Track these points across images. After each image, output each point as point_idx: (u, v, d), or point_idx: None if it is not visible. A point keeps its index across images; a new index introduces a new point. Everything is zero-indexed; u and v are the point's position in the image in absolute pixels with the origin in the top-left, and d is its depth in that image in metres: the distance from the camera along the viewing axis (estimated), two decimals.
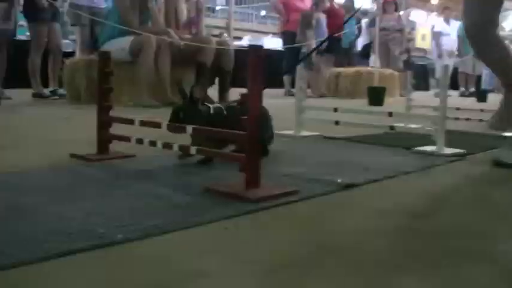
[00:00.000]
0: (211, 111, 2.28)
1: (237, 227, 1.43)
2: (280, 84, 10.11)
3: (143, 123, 2.18)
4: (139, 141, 2.20)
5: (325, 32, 9.77)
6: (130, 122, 2.24)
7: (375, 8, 11.93)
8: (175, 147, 2.04)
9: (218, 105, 2.38)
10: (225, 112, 2.32)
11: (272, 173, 2.05)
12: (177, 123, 2.18)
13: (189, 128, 1.96)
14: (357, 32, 12.00)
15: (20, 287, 1.03)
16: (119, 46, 5.75)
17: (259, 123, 1.74)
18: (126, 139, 2.29)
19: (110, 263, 1.14)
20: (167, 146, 2.07)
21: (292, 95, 9.24)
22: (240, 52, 6.62)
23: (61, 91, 7.12)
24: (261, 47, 1.74)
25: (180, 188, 1.82)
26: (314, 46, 9.25)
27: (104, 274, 1.09)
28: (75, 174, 2.06)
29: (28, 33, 8.48)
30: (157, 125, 2.11)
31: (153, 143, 2.13)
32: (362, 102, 7.48)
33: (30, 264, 1.11)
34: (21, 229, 1.33)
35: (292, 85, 9.77)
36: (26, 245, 1.21)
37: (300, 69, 3.36)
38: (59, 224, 1.37)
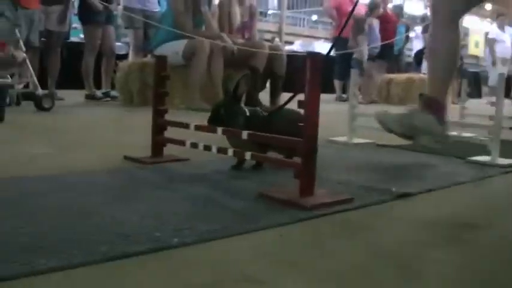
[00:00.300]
0: (248, 114, 2.24)
1: (292, 234, 1.43)
2: (331, 90, 10.08)
3: (198, 128, 2.19)
4: (194, 145, 2.21)
5: (378, 38, 9.70)
6: (186, 126, 2.25)
7: (429, 13, 11.79)
8: (230, 152, 2.05)
9: (254, 109, 2.33)
10: (261, 116, 2.29)
11: (326, 180, 2.04)
12: (217, 119, 2.18)
13: (245, 134, 1.97)
14: (404, 38, 11.89)
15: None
16: (172, 50, 5.78)
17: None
18: (181, 143, 2.30)
19: (167, 267, 1.15)
20: (222, 150, 2.08)
21: (343, 100, 9.22)
22: (290, 57, 6.61)
23: (113, 93, 7.20)
24: (319, 53, 1.73)
25: (234, 193, 1.83)
26: (366, 52, 9.20)
27: (161, 278, 1.09)
28: (129, 176, 2.08)
29: (82, 36, 8.60)
30: (212, 130, 2.11)
31: (207, 148, 2.14)
32: None
33: (90, 265, 1.13)
34: (80, 230, 1.35)
35: (343, 90, 9.74)
36: (85, 246, 1.23)
37: (354, 75, 3.34)
38: (116, 226, 1.39)
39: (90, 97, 7.23)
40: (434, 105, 2.80)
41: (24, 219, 1.43)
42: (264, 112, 2.32)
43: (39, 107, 5.16)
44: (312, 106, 1.68)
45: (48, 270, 1.09)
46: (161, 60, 2.45)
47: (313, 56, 1.71)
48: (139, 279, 1.08)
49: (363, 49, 9.33)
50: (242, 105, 2.25)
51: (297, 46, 18.67)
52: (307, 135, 1.69)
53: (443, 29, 2.82)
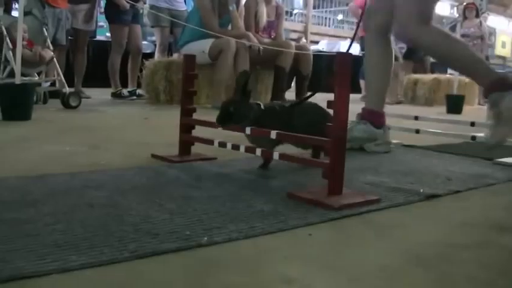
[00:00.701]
0: (261, 107, 2.20)
1: (321, 234, 1.43)
2: (356, 90, 10.03)
3: (227, 127, 2.19)
4: (222, 144, 2.22)
5: None
6: (214, 125, 2.25)
7: (456, 14, 11.72)
8: (258, 152, 2.05)
9: (271, 104, 2.31)
10: (277, 110, 2.24)
11: (353, 180, 2.04)
12: (226, 117, 2.16)
13: (273, 133, 1.97)
14: None
15: (111, 285, 1.05)
16: (199, 48, 5.79)
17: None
18: (209, 142, 2.31)
19: (197, 266, 1.16)
20: (250, 150, 2.08)
21: None
22: (316, 57, 6.61)
23: (139, 92, 7.22)
24: (349, 54, 1.73)
25: (261, 192, 1.83)
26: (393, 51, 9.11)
27: (190, 276, 1.10)
28: (158, 175, 2.09)
29: (108, 34, 8.64)
30: (241, 130, 2.11)
31: (236, 147, 2.14)
32: (440, 110, 7.37)
33: (119, 263, 1.14)
34: (109, 228, 1.36)
35: None
36: (115, 244, 1.24)
37: None
38: (145, 225, 1.40)
39: (117, 95, 7.26)
40: (366, 115, 3.06)
41: (55, 217, 1.44)
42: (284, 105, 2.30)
43: (66, 105, 5.19)
44: (341, 106, 1.68)
45: (78, 267, 1.10)
46: (189, 59, 2.45)
47: (343, 55, 1.71)
48: (169, 278, 1.09)
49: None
50: (252, 101, 2.21)
51: (323, 46, 18.60)
52: (335, 135, 1.69)
53: (374, 45, 3.11)
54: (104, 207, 1.56)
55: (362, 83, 10.03)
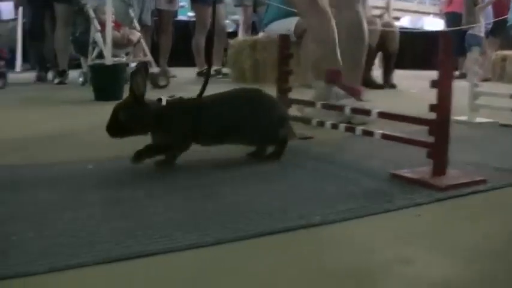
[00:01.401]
0: (163, 104, 1.90)
1: (429, 214, 1.42)
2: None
3: (325, 106, 2.19)
4: (320, 123, 2.21)
5: (490, 13, 9.35)
6: (311, 104, 2.25)
7: None
8: (358, 131, 2.04)
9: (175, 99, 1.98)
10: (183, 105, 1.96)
11: (454, 160, 2.00)
12: (116, 126, 1.86)
13: (374, 113, 1.95)
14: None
15: (229, 264, 1.07)
16: (283, 27, 5.78)
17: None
18: (307, 121, 2.30)
19: (311, 245, 1.17)
20: (349, 129, 2.07)
21: (455, 77, 8.94)
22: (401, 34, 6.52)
23: (224, 70, 7.27)
24: (448, 32, 1.70)
25: (365, 172, 1.83)
26: (483, 27, 8.86)
27: (305, 256, 1.11)
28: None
29: (189, 14, 8.72)
30: (339, 109, 2.11)
31: (334, 126, 2.13)
32: None
33: (236, 241, 1.17)
34: (223, 208, 1.40)
35: (455, 68, 9.46)
36: (230, 224, 1.26)
37: (474, 52, 3.26)
38: (259, 205, 1.42)
39: (202, 74, 7.33)
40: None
41: (151, 199, 1.49)
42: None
43: (155, 84, 5.27)
44: (445, 85, 1.66)
45: (186, 247, 1.13)
46: (284, 39, 2.46)
47: (445, 34, 1.69)
48: (284, 257, 1.11)
49: (482, 24, 8.93)
50: (148, 101, 1.89)
51: (406, 22, 18.27)
52: (441, 115, 1.67)
53: None
54: (201, 189, 1.59)
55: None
